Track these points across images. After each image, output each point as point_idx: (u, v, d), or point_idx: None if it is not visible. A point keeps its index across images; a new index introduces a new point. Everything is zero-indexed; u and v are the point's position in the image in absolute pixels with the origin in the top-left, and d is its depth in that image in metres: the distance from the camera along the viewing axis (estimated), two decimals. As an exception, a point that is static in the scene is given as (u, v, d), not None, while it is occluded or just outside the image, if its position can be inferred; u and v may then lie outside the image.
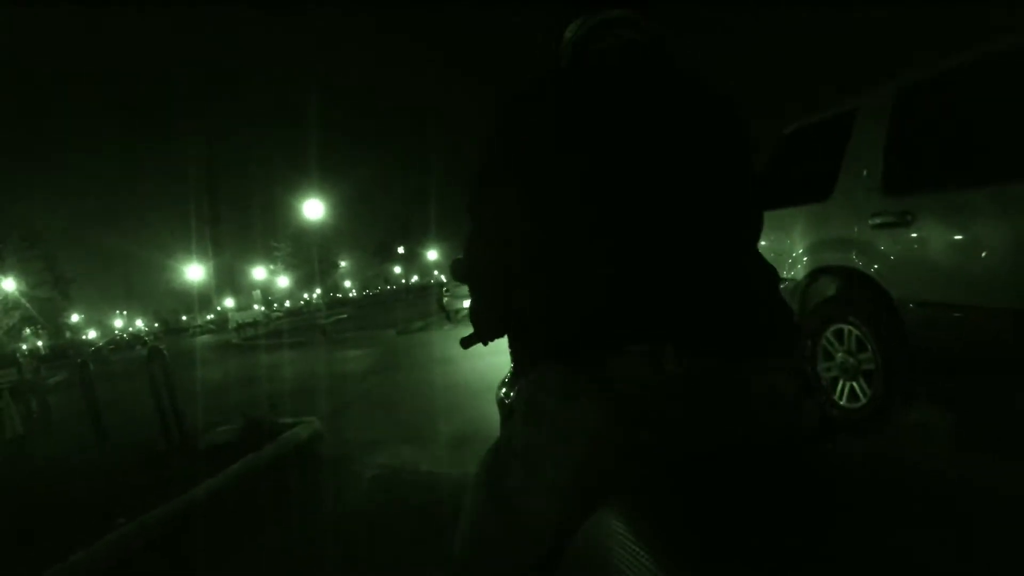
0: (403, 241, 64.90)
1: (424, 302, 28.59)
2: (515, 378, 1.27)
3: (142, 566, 2.89)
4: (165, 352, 5.66)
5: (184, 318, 79.92)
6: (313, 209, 29.88)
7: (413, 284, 73.66)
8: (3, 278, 42.85)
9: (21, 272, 43.24)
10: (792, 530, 0.63)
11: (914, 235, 2.90)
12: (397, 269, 73.79)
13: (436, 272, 63.02)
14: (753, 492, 0.73)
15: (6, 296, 42.68)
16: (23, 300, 42.72)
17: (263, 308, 55.67)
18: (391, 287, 75.95)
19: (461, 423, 4.65)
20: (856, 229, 3.18)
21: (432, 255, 58.72)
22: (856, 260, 3.18)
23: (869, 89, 3.33)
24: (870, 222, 3.09)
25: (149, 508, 3.36)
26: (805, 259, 3.61)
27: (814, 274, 3.54)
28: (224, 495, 3.44)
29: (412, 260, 69.70)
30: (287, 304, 65.55)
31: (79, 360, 7.96)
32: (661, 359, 0.90)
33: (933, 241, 2.85)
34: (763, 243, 3.93)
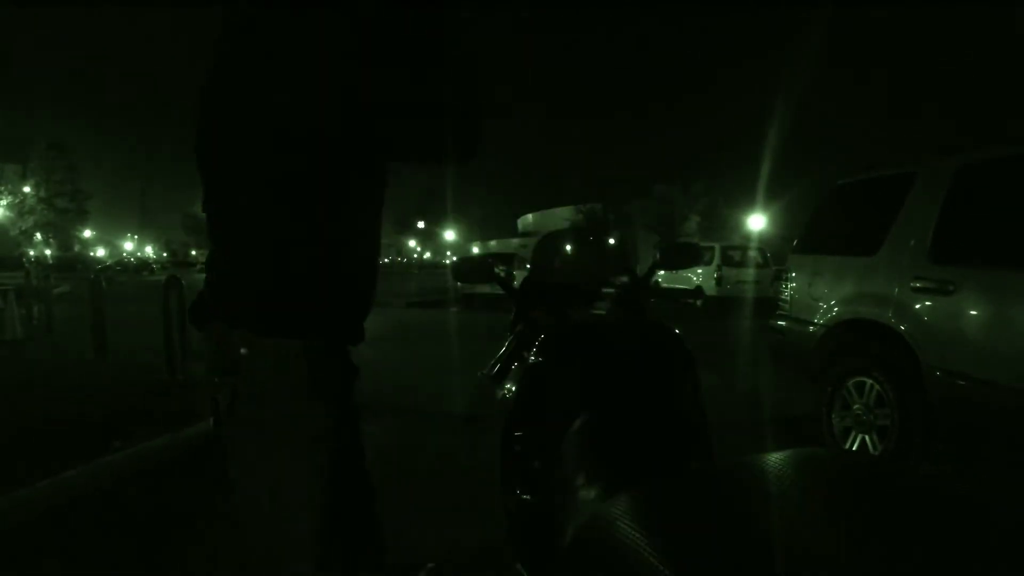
0: (422, 216, 63.74)
1: (433, 279, 28.79)
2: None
3: (136, 492, 2.89)
4: (184, 283, 5.69)
5: (194, 252, 80.00)
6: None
7: (426, 260, 73.43)
8: (25, 181, 43.07)
9: (43, 179, 43.34)
10: (794, 531, 0.61)
11: (953, 305, 2.92)
12: (412, 243, 72.99)
13: (448, 253, 62.26)
14: (762, 495, 0.71)
15: (24, 198, 42.86)
16: (41, 205, 42.89)
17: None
18: (402, 259, 75.61)
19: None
20: (897, 289, 3.19)
21: (449, 235, 57.81)
22: (891, 317, 3.20)
23: (931, 158, 3.37)
24: (912, 284, 3.10)
25: (151, 436, 3.37)
26: (837, 308, 3.62)
27: (845, 323, 3.54)
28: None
29: (430, 237, 68.52)
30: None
31: (92, 276, 8.01)
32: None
33: (970, 314, 2.87)
34: (794, 284, 3.94)
